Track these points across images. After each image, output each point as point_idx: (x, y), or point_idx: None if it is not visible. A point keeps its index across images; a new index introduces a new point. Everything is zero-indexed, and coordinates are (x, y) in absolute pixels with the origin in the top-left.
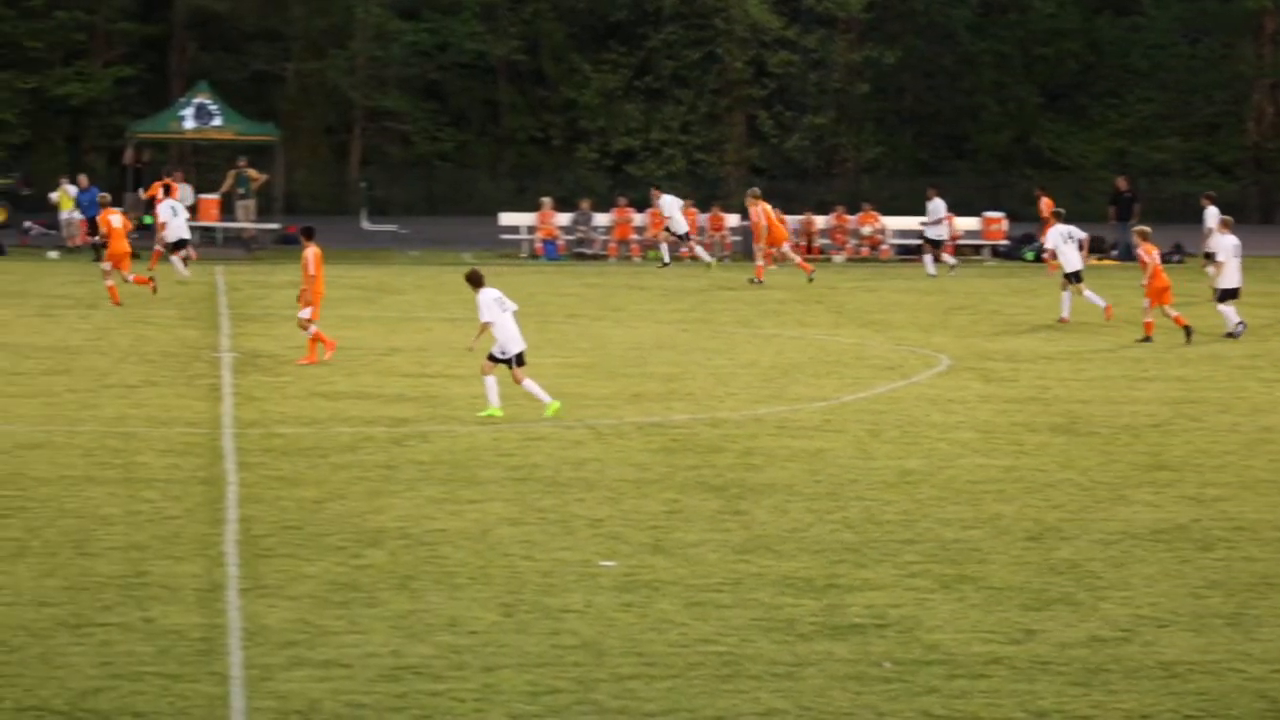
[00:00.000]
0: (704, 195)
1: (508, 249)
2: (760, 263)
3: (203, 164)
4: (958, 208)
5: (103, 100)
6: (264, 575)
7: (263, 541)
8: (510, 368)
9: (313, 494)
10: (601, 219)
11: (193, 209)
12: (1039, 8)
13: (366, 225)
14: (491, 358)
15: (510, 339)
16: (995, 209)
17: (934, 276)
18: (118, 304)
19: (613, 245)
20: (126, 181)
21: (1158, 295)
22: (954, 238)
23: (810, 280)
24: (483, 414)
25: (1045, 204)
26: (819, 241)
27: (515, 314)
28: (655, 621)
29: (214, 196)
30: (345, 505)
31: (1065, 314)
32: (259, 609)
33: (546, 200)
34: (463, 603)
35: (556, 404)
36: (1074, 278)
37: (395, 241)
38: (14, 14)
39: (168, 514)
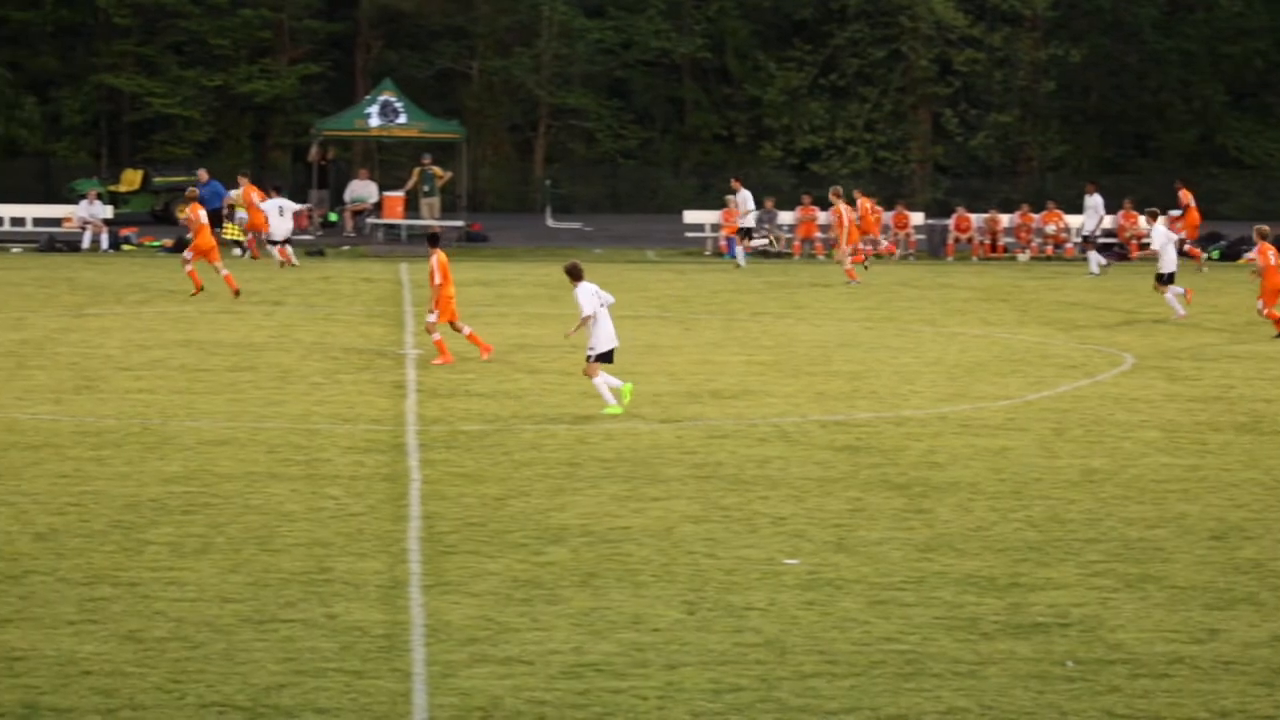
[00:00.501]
0: (889, 193)
1: (691, 247)
2: (848, 265)
3: (387, 161)
4: (1143, 207)
5: (288, 98)
6: (446, 572)
7: (445, 538)
8: (587, 360)
9: (495, 490)
10: (786, 217)
11: (378, 206)
12: (1225, 6)
13: (551, 223)
14: (599, 357)
15: (605, 336)
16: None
17: (1095, 275)
18: (200, 289)
19: (797, 244)
20: (311, 179)
21: (1272, 295)
22: (1139, 236)
23: (847, 283)
24: (605, 412)
25: (1184, 195)
26: (1004, 240)
27: (610, 308)
28: (838, 620)
29: (399, 194)
30: (528, 502)
31: (1181, 312)
32: (441, 605)
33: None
34: (645, 600)
35: (619, 408)
36: (1167, 278)
37: (579, 239)
38: (200, 11)
39: (351, 510)
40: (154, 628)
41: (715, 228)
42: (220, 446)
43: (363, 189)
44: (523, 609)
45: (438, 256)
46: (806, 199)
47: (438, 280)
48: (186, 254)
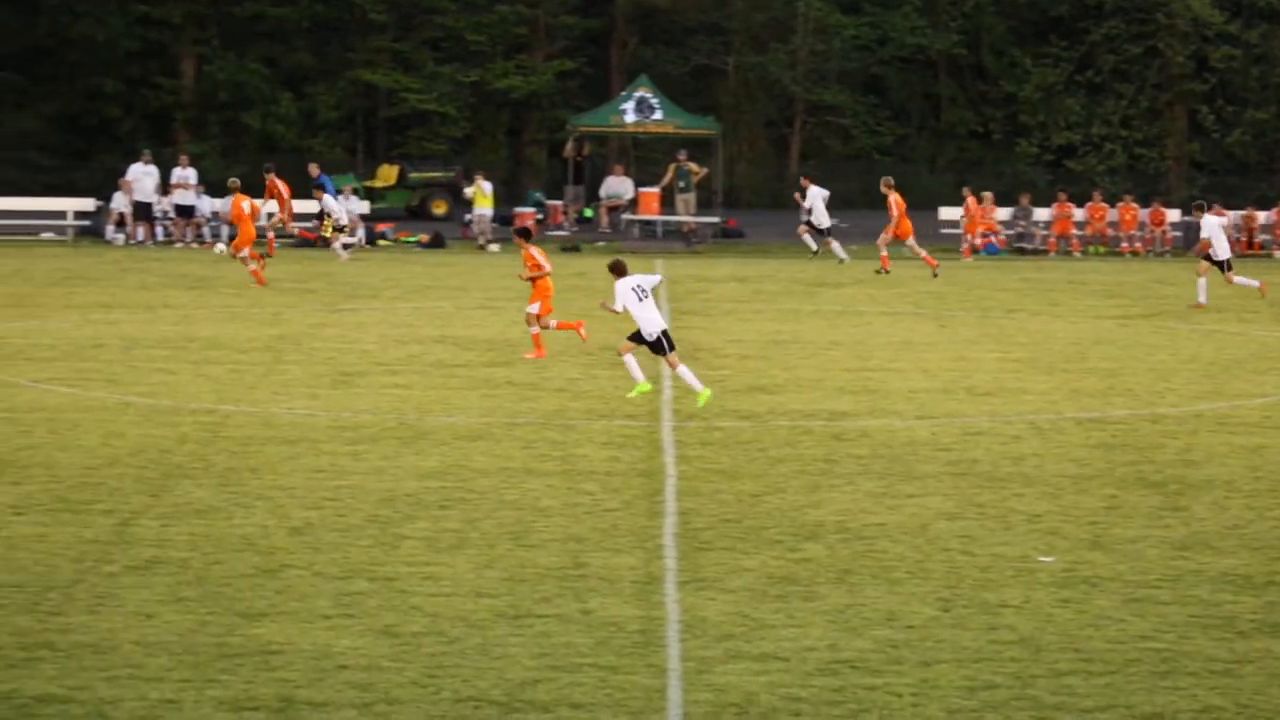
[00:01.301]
0: (1144, 191)
1: (947, 244)
2: (884, 252)
3: (642, 158)
4: None
5: (544, 94)
6: (702, 568)
7: (701, 534)
8: (662, 354)
9: (751, 487)
10: (1041, 214)
11: (633, 202)
12: None
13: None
14: (633, 338)
15: (648, 321)
16: None
17: None
18: (263, 284)
19: (1052, 240)
20: (567, 175)
21: None
22: None
23: (935, 275)
24: (632, 394)
25: None
26: (1260, 237)
27: (656, 293)
28: (1093, 618)
29: (654, 190)
30: (783, 499)
31: (1202, 299)
32: (697, 602)
33: (987, 195)
34: (900, 597)
35: (708, 392)
36: (1224, 266)
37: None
38: (456, 7)
39: (606, 506)
40: (410, 622)
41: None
42: (475, 441)
43: (618, 185)
44: (778, 605)
45: (527, 250)
46: (1062, 196)
47: (527, 274)
48: (238, 251)
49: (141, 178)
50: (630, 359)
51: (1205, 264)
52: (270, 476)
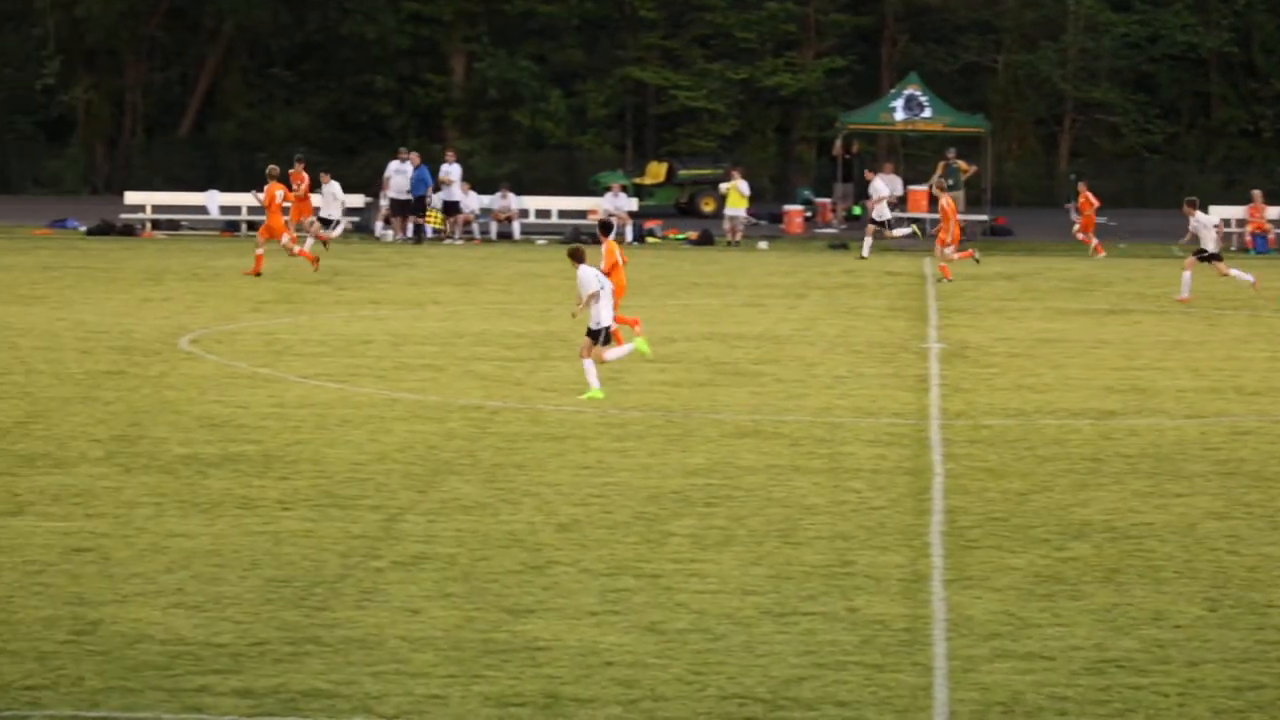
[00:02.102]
0: None
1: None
2: (942, 261)
3: (911, 155)
4: None
5: (813, 91)
6: (968, 566)
7: (968, 533)
8: (594, 340)
9: (1018, 486)
10: None
11: (902, 200)
12: None
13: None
14: (591, 334)
15: (604, 312)
16: None
17: None
18: (258, 274)
19: None
20: (836, 172)
21: None
22: None
23: (948, 282)
24: (584, 397)
25: None
26: None
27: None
28: None
29: (923, 188)
30: (1050, 497)
31: (1185, 294)
32: (963, 600)
33: (1257, 193)
34: (1167, 597)
35: (600, 393)
36: (1209, 257)
37: (1104, 234)
38: (726, 5)
39: (873, 504)
40: (675, 619)
41: (1241, 223)
42: (743, 439)
43: (887, 183)
44: (1044, 604)
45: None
46: None
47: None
48: (259, 236)
49: (396, 175)
50: (590, 365)
51: (1193, 259)
52: (537, 473)
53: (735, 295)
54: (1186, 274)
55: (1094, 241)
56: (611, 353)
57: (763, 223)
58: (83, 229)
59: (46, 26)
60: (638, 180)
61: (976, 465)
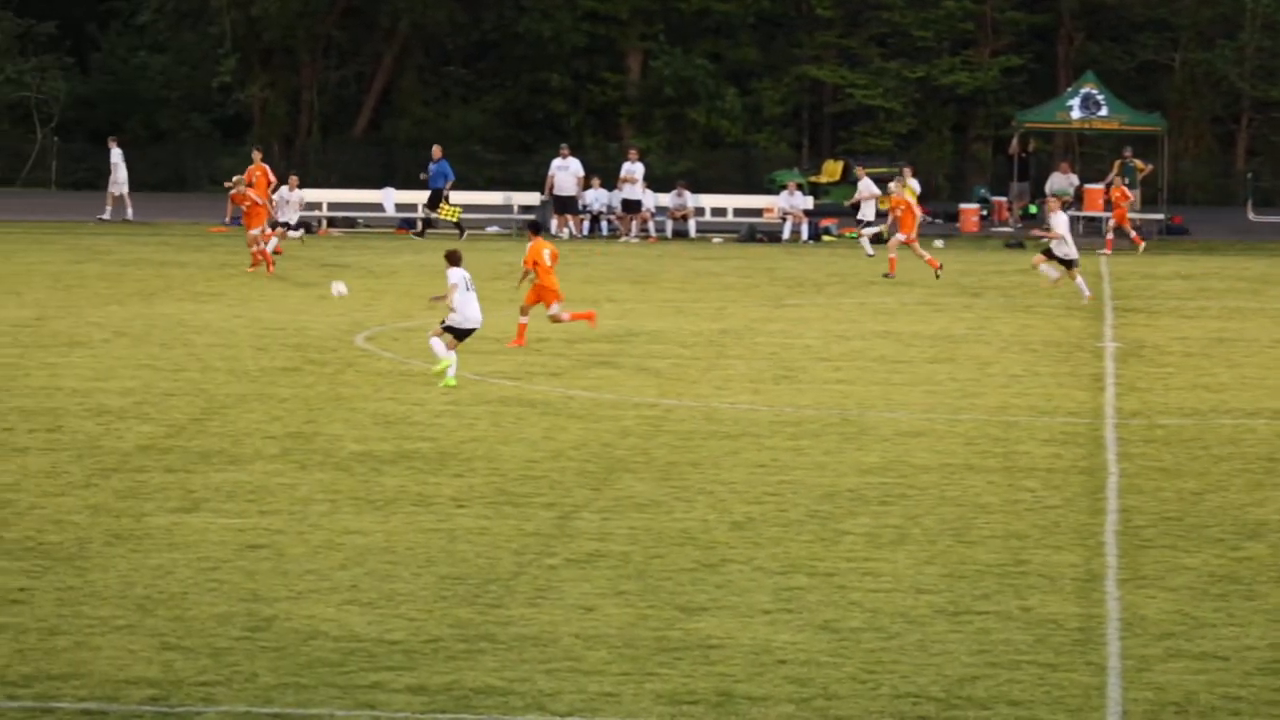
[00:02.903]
0: None
1: None
2: (893, 254)
3: (1088, 154)
4: None
5: (989, 89)
6: (1142, 566)
7: (1142, 532)
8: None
9: (1192, 485)
10: None
11: (1078, 198)
12: None
13: (1252, 217)
14: (446, 327)
15: (468, 317)
16: None
17: None
18: (255, 269)
19: None
20: (1012, 171)
21: None
22: None
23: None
24: (435, 369)
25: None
26: None
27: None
28: None
29: (1098, 186)
30: (1225, 497)
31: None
32: (1137, 600)
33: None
34: None
35: (447, 369)
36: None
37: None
38: (903, 3)
39: (1047, 503)
40: (849, 618)
41: None
42: (917, 438)
43: (1063, 181)
44: (1219, 604)
45: (533, 243)
46: None
47: (531, 263)
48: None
49: (559, 173)
50: (437, 340)
51: (1041, 257)
52: (711, 471)
53: (910, 294)
54: (1042, 267)
55: (1133, 233)
56: (438, 346)
57: (938, 221)
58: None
59: (223, 25)
60: (813, 178)
61: (1151, 465)
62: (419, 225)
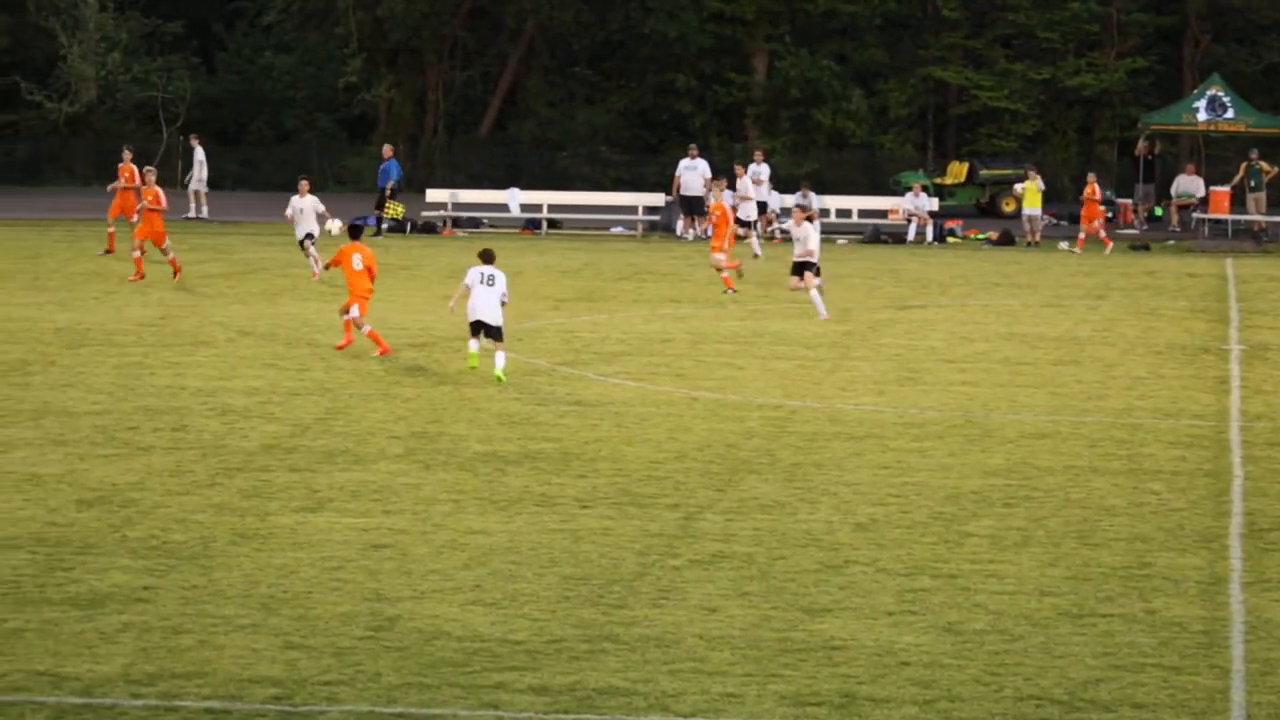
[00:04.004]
0: None
1: None
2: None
3: (1213, 156)
4: None
5: (1115, 91)
6: (1267, 569)
7: (1267, 535)
8: (476, 336)
9: None
10: None
11: (1204, 201)
12: None
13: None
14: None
15: (474, 307)
16: None
17: None
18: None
19: None
20: (1137, 173)
21: None
22: None
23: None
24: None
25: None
26: None
27: (496, 293)
28: None
29: (1225, 189)
30: None
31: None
32: (1262, 603)
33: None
34: None
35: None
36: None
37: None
38: (1029, 4)
39: (1171, 506)
40: (973, 620)
41: None
42: (1041, 440)
43: (1189, 184)
44: None
45: (348, 248)
46: None
47: (357, 268)
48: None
49: (686, 173)
50: (474, 343)
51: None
52: (835, 472)
53: (1035, 296)
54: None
55: (1101, 234)
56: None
57: (1063, 223)
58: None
59: (349, 25)
60: (938, 180)
61: (1277, 468)
62: (377, 225)
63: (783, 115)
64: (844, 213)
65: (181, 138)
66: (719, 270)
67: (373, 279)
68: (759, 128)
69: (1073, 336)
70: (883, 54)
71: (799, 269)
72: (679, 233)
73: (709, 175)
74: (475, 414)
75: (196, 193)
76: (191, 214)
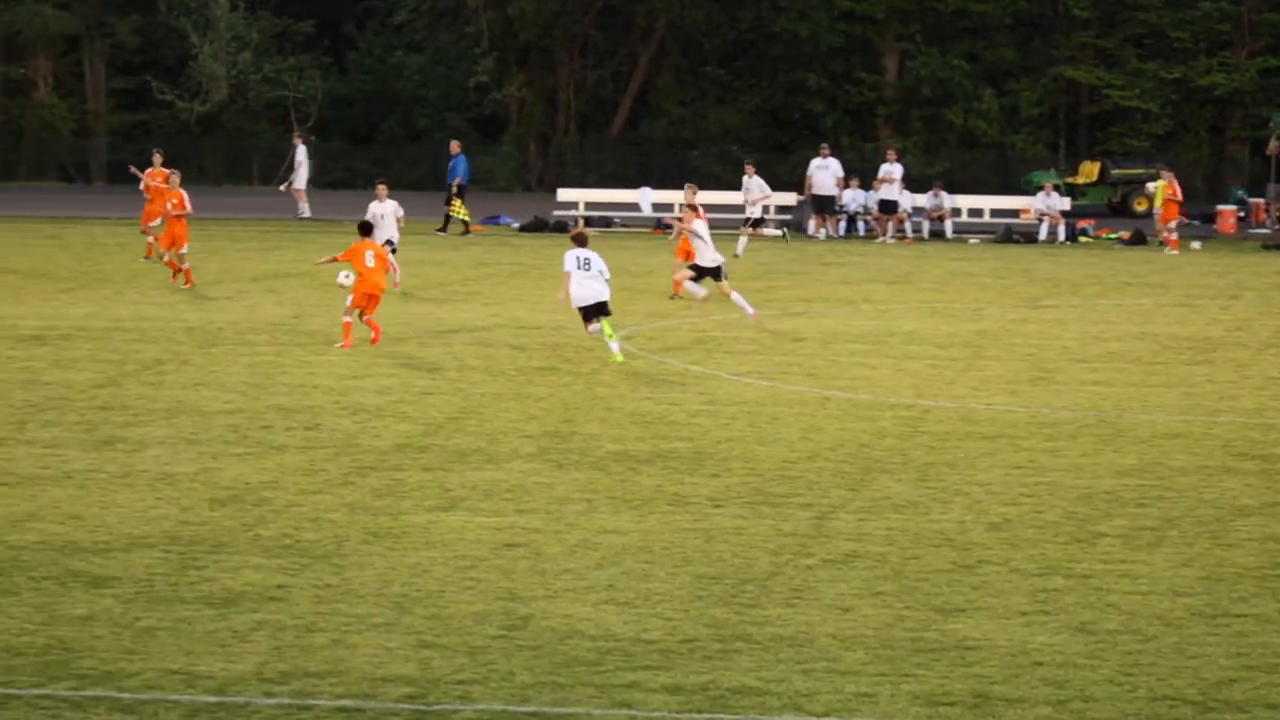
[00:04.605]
0: None
1: None
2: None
3: None
4: None
5: (1247, 90)
6: None
7: None
8: (589, 320)
9: None
10: None
11: None
12: None
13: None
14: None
15: (577, 296)
16: None
17: None
18: (184, 281)
19: None
20: (1270, 172)
21: None
22: None
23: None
24: (614, 361)
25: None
26: None
27: (596, 273)
28: None
29: None
30: None
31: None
32: None
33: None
34: None
35: (620, 357)
36: (714, 274)
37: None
38: (1160, 4)
39: None
40: (1106, 620)
41: None
42: (1173, 439)
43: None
44: None
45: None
46: None
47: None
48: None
49: (818, 172)
50: (593, 326)
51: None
52: (968, 472)
53: (1167, 295)
54: (688, 286)
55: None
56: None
57: (1195, 222)
58: (515, 225)
59: (480, 24)
60: (1070, 179)
61: None
62: (445, 223)
63: (914, 115)
64: (976, 212)
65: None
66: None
67: (386, 272)
68: (890, 127)
69: (1205, 336)
70: (1014, 53)
71: (704, 273)
72: (810, 232)
73: (840, 175)
74: (608, 413)
75: (297, 191)
76: (303, 213)
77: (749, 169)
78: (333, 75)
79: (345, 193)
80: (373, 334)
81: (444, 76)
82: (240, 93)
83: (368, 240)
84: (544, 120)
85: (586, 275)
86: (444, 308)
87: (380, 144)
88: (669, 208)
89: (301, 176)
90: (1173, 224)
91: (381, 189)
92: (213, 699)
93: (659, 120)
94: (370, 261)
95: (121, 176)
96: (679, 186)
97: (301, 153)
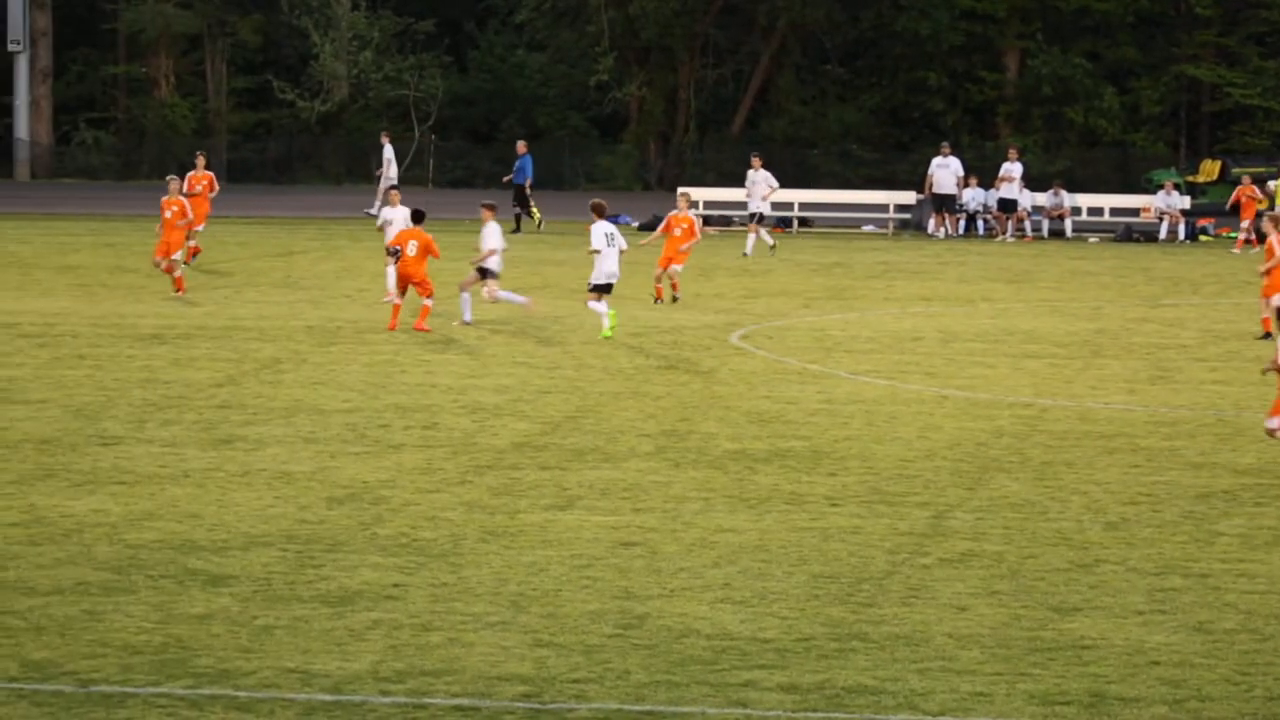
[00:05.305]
0: None
1: None
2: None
3: None
4: None
5: None
6: None
7: None
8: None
9: None
10: None
11: None
12: None
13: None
14: (592, 286)
15: (602, 272)
16: None
17: None
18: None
19: None
20: None
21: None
22: None
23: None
24: (602, 335)
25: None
26: None
27: (618, 251)
28: None
29: None
30: None
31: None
32: None
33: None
34: None
35: (610, 331)
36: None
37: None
38: None
39: None
40: (1223, 619)
41: None
42: None
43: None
44: None
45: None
46: None
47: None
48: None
49: (939, 171)
50: (594, 305)
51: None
52: (1086, 471)
53: None
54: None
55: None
56: (593, 305)
57: None
58: (635, 224)
59: (600, 23)
60: (1190, 178)
61: None
62: (516, 222)
63: (1034, 113)
64: (1095, 211)
65: (433, 137)
66: (667, 279)
67: (435, 256)
68: (1011, 126)
69: None
70: (1135, 52)
71: (482, 274)
72: (930, 230)
73: (961, 174)
74: (725, 412)
75: (387, 190)
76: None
77: (755, 161)
78: (453, 74)
79: (465, 191)
80: (419, 318)
81: (564, 75)
82: (361, 92)
83: (416, 229)
84: (664, 119)
85: (613, 252)
86: (563, 305)
87: (500, 143)
88: (789, 206)
89: (389, 175)
90: (1246, 222)
91: (395, 195)
92: (329, 697)
93: (779, 119)
94: (412, 250)
95: (241, 175)
96: (797, 185)
97: (389, 151)
